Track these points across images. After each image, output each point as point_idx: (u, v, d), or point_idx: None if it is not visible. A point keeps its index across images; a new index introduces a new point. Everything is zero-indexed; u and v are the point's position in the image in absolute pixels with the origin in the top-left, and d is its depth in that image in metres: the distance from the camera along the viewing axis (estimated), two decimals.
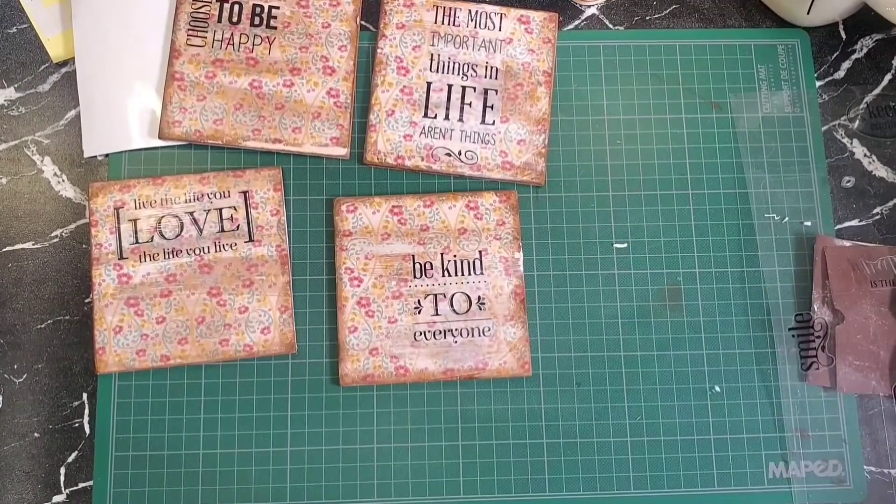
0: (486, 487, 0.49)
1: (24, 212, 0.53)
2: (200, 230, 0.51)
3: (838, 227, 0.54)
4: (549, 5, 0.57)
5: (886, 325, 0.51)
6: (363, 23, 0.55)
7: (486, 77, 0.54)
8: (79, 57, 0.53)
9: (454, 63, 0.54)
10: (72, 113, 0.54)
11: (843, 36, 0.57)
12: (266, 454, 0.49)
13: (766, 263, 0.52)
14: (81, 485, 0.49)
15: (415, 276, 0.51)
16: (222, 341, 0.49)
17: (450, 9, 0.55)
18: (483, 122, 0.53)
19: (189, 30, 0.53)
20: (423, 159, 0.52)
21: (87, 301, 0.51)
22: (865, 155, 0.55)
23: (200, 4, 0.54)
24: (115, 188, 0.51)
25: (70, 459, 0.49)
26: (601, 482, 0.49)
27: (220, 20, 0.54)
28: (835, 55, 0.57)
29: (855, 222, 0.54)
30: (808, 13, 0.55)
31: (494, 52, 0.54)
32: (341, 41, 0.54)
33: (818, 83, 0.56)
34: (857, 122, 0.55)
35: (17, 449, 0.50)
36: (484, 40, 0.54)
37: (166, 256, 0.50)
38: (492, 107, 0.53)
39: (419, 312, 0.50)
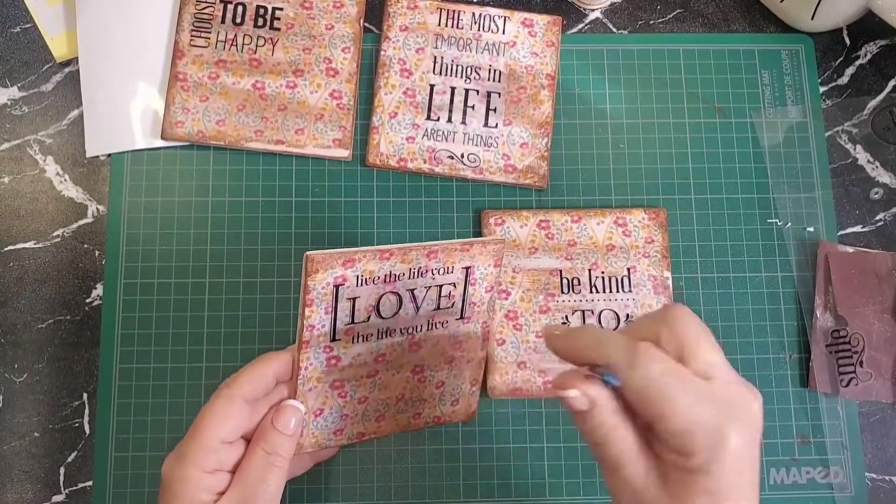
0: (486, 491, 0.49)
1: (26, 211, 0.53)
2: (417, 308, 0.45)
3: (841, 233, 0.53)
4: (553, 9, 0.57)
5: (889, 332, 0.51)
6: (367, 25, 0.55)
7: (489, 80, 0.54)
8: (82, 57, 0.53)
9: (457, 65, 0.54)
10: (74, 113, 0.54)
11: (848, 42, 0.57)
12: None
13: (768, 269, 0.52)
14: (81, 485, 0.49)
15: (562, 292, 0.51)
16: (415, 415, 0.47)
17: (453, 11, 0.55)
18: (486, 124, 0.53)
19: (192, 30, 0.53)
20: (425, 162, 0.52)
21: (87, 301, 0.51)
22: (869, 161, 0.55)
23: (204, 5, 0.54)
24: (337, 262, 0.41)
25: (70, 459, 0.49)
26: (601, 487, 0.49)
27: (223, 21, 0.54)
28: (839, 61, 0.57)
29: (858, 228, 0.54)
30: (812, 19, 0.54)
31: (498, 54, 0.54)
32: (345, 43, 0.54)
33: (822, 89, 0.56)
34: (861, 127, 0.55)
35: (16, 448, 0.49)
36: (487, 43, 0.54)
37: (379, 336, 0.44)
38: (495, 110, 0.53)
39: None
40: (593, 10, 0.57)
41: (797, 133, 0.55)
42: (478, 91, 0.54)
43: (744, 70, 0.55)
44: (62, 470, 0.49)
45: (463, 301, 0.46)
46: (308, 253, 0.40)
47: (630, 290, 0.51)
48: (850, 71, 0.56)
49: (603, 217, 0.52)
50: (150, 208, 0.52)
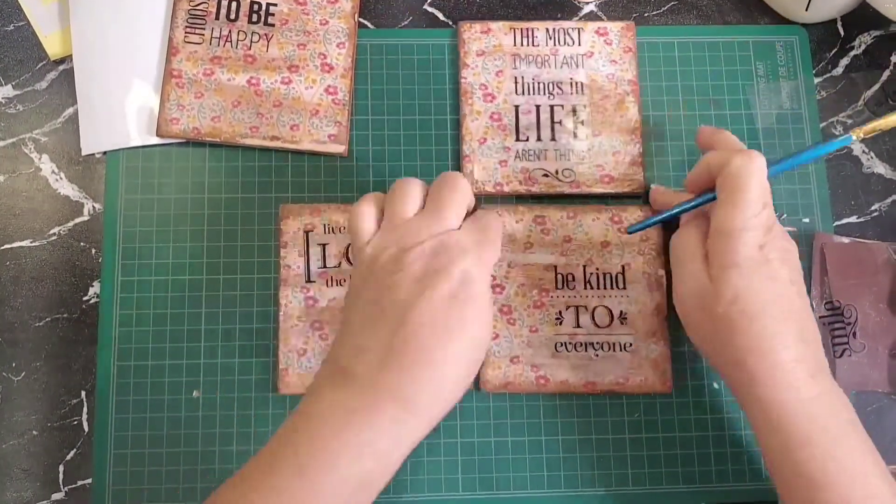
0: (484, 484, 0.49)
1: (21, 209, 0.53)
2: None
3: (837, 223, 0.54)
4: (547, 2, 0.57)
5: (885, 322, 0.51)
6: (361, 20, 0.55)
7: (572, 93, 0.53)
8: (77, 54, 0.53)
9: (539, 83, 0.53)
10: (69, 110, 0.54)
11: (842, 33, 0.57)
12: None
13: None
14: (80, 482, 0.49)
15: (556, 287, 0.51)
16: None
17: (527, 30, 0.54)
18: (575, 138, 0.53)
19: (187, 27, 0.53)
20: (521, 183, 0.52)
21: (85, 299, 0.51)
22: (864, 152, 0.55)
23: (198, 1, 0.54)
24: (305, 211, 0.51)
25: (69, 457, 0.49)
26: (599, 479, 0.49)
27: (217, 17, 0.54)
28: (833, 52, 0.57)
29: (853, 219, 0.54)
30: (806, 10, 0.54)
31: (577, 67, 0.54)
32: (339, 38, 0.54)
33: (816, 80, 0.56)
34: (856, 118, 0.55)
35: (15, 447, 0.50)
36: (565, 57, 0.54)
37: None
38: (582, 122, 0.53)
39: (560, 324, 0.50)
40: (588, 2, 0.57)
41: (792, 124, 0.55)
42: (563, 106, 0.53)
43: (738, 62, 0.55)
44: (61, 468, 0.49)
45: None
46: (282, 205, 0.51)
47: (624, 288, 0.51)
48: (844, 62, 0.57)
49: (598, 214, 0.52)
50: (146, 205, 0.52)
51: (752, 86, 0.55)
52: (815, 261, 0.52)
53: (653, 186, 0.51)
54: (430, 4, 0.57)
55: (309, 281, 0.50)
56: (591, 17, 0.57)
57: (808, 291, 0.52)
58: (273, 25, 0.54)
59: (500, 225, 0.43)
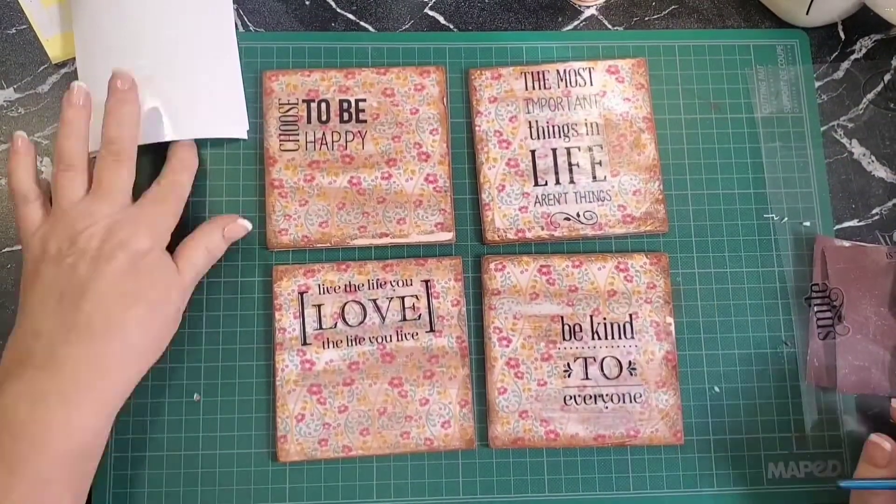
0: (485, 488, 0.49)
1: None
2: (383, 318, 0.50)
3: (837, 227, 0.54)
4: (548, 6, 0.57)
5: (886, 326, 0.51)
6: (362, 23, 0.55)
7: (587, 134, 0.53)
8: (80, 57, 0.53)
9: (553, 126, 0.53)
10: None
11: (842, 36, 0.57)
12: (265, 454, 0.49)
13: (764, 264, 0.52)
14: None
15: (564, 339, 0.50)
16: (403, 433, 0.49)
17: (538, 73, 0.54)
18: (594, 179, 0.52)
19: (280, 135, 0.53)
20: (542, 228, 0.51)
21: None
22: (864, 155, 0.55)
23: (287, 107, 0.53)
24: (299, 272, 0.50)
25: None
26: (600, 483, 0.49)
27: (309, 121, 0.53)
28: (834, 55, 0.57)
29: (854, 222, 0.54)
30: (806, 13, 0.55)
31: (591, 107, 0.53)
32: (432, 125, 0.53)
33: (817, 83, 0.56)
34: (856, 121, 0.55)
35: None
36: (578, 97, 0.53)
37: (349, 343, 0.50)
38: (600, 163, 0.53)
39: (569, 376, 0.49)
40: (588, 6, 0.57)
41: (792, 128, 0.55)
42: (579, 147, 0.53)
43: (739, 65, 0.56)
44: None
45: (430, 313, 0.50)
46: (275, 266, 0.50)
47: (632, 337, 0.50)
48: (845, 65, 0.57)
49: (604, 262, 0.51)
50: None
51: (752, 89, 0.55)
52: (817, 265, 0.52)
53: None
54: (432, 8, 0.57)
55: (305, 344, 0.49)
56: (592, 20, 0.57)
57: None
58: (365, 122, 0.53)
59: (183, 186, 0.48)
